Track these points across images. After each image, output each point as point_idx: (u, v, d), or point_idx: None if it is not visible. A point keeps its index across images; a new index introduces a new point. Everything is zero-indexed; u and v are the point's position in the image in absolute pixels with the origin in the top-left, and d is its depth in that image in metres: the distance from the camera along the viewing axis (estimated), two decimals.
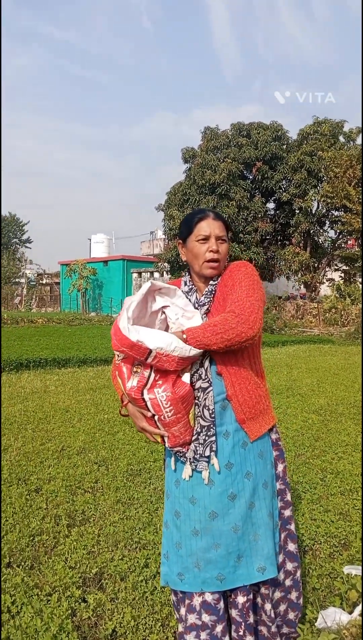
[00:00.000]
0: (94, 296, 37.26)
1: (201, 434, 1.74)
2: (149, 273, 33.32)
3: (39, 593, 2.42)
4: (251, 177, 25.78)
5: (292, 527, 1.99)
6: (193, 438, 1.75)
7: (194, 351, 1.64)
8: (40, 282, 46.16)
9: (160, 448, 4.70)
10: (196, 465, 1.75)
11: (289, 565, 1.96)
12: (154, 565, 2.66)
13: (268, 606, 1.82)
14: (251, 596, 1.77)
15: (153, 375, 1.66)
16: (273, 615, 1.83)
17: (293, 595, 1.98)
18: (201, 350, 1.67)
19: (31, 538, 2.97)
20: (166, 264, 26.05)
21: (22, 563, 2.71)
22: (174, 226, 23.93)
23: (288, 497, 1.98)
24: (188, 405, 1.73)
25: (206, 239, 1.80)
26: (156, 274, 32.30)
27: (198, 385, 1.76)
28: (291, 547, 1.98)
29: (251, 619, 1.75)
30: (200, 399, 1.76)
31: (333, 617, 2.02)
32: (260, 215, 24.66)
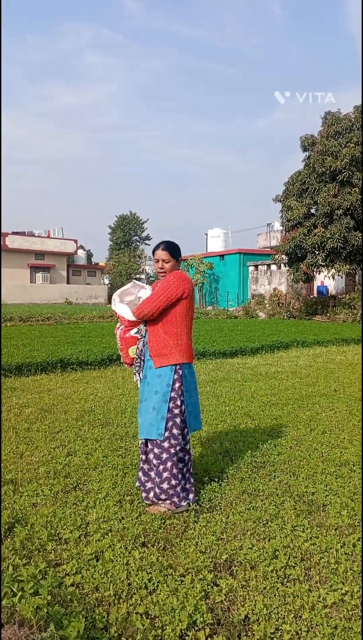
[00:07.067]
0: (210, 290, 37.74)
1: (137, 360, 3.40)
2: (266, 266, 32.88)
3: (173, 573, 2.54)
4: None
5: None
6: (135, 361, 3.43)
7: (133, 318, 3.38)
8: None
9: (283, 442, 4.66)
10: (137, 375, 3.42)
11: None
12: (283, 557, 2.66)
13: (151, 456, 3.33)
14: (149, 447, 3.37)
15: (121, 327, 3.52)
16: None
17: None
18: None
19: (163, 521, 3.12)
20: (283, 256, 25.37)
21: (156, 543, 2.86)
22: (292, 217, 23.32)
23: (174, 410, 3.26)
24: (127, 344, 3.47)
25: (156, 261, 3.46)
26: (274, 267, 31.80)
27: (140, 335, 3.42)
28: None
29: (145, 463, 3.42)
30: (139, 342, 3.41)
31: None
32: None
